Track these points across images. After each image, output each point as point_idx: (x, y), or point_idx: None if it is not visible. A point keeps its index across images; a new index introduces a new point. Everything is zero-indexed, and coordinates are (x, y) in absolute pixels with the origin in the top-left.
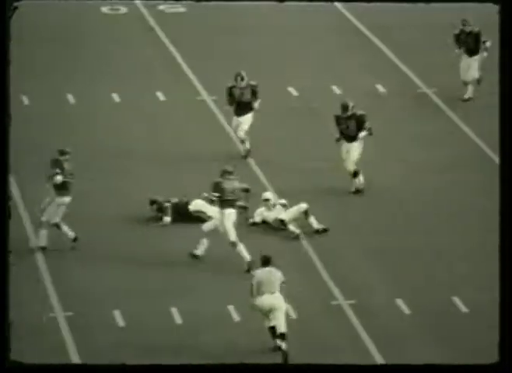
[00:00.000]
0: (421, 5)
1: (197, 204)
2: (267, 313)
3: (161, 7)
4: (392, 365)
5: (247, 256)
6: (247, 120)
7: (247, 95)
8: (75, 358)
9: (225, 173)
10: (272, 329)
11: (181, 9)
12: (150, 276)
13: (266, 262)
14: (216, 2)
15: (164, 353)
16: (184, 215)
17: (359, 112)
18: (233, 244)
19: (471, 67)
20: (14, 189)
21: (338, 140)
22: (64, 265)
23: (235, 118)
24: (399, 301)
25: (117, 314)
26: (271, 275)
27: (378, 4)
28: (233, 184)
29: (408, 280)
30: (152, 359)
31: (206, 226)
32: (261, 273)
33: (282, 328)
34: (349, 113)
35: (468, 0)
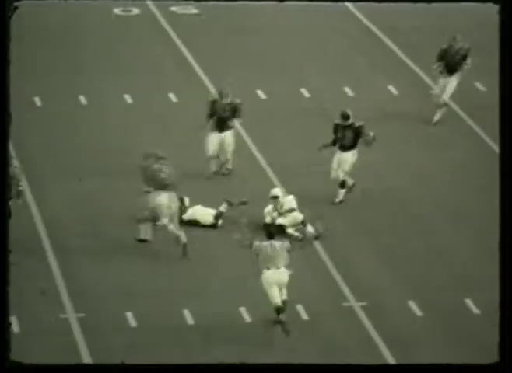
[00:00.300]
0: (434, 6)
1: (192, 214)
2: (273, 286)
3: (173, 8)
4: (393, 365)
5: (147, 235)
6: (229, 137)
7: (228, 113)
8: (87, 360)
9: (159, 159)
10: (279, 308)
11: (193, 11)
12: (162, 277)
13: (269, 235)
14: (227, 3)
15: (176, 354)
16: (179, 223)
17: (358, 123)
18: (164, 227)
19: (449, 86)
20: (26, 191)
21: (320, 148)
22: (75, 265)
23: (215, 134)
24: (411, 303)
25: (129, 315)
26: (271, 249)
27: (390, 5)
28: (169, 169)
29: (421, 282)
30: (164, 360)
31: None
32: (260, 245)
33: (283, 295)
34: (349, 122)
35: (468, 0)
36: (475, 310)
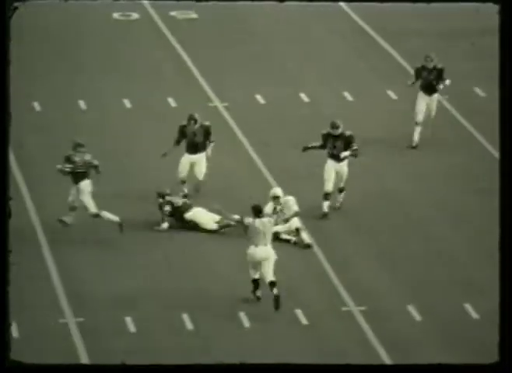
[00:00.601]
0: (433, 10)
1: (195, 215)
2: (256, 264)
3: (173, 13)
4: (393, 365)
5: (114, 217)
6: (201, 160)
7: (200, 137)
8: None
9: (76, 146)
10: (256, 281)
11: (193, 15)
12: (162, 281)
13: (258, 212)
14: (226, 9)
15: (175, 359)
16: (180, 221)
17: (348, 132)
18: (95, 215)
19: (430, 107)
20: (24, 193)
21: (305, 149)
22: (74, 270)
23: (187, 155)
24: (410, 308)
25: (128, 320)
26: (263, 226)
27: (389, 8)
28: (83, 157)
29: (420, 287)
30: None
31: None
32: (253, 222)
33: (270, 277)
34: (339, 132)
35: (468, 0)
36: (474, 314)
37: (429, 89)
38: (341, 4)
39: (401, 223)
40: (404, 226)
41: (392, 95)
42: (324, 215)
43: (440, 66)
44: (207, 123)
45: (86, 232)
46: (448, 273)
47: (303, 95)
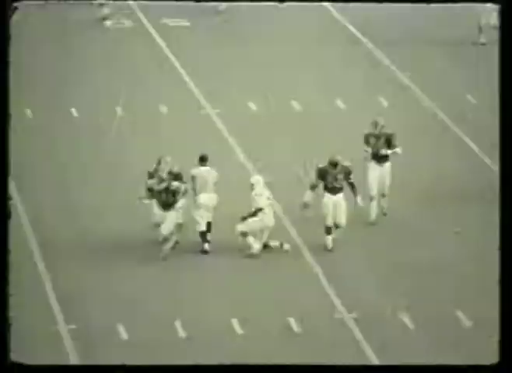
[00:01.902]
0: (426, 18)
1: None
2: (200, 211)
3: (165, 21)
4: (392, 366)
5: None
6: (171, 217)
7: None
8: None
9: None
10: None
11: (185, 23)
12: (154, 288)
13: (202, 160)
14: (217, 16)
15: (167, 366)
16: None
17: (346, 163)
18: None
19: (382, 178)
20: (15, 198)
21: (303, 207)
22: (66, 277)
23: (157, 210)
24: (403, 316)
25: (120, 327)
26: (208, 174)
27: (382, 17)
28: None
29: (412, 295)
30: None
31: None
32: (197, 171)
33: (208, 218)
34: (339, 168)
35: (469, 0)
36: (467, 322)
37: (380, 158)
38: (334, 12)
39: (394, 231)
40: (396, 233)
41: (384, 102)
42: (329, 250)
43: (389, 132)
44: (176, 170)
45: (79, 241)
46: (440, 280)
47: (294, 103)
